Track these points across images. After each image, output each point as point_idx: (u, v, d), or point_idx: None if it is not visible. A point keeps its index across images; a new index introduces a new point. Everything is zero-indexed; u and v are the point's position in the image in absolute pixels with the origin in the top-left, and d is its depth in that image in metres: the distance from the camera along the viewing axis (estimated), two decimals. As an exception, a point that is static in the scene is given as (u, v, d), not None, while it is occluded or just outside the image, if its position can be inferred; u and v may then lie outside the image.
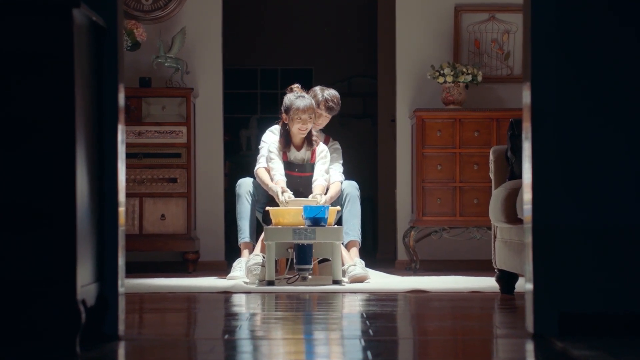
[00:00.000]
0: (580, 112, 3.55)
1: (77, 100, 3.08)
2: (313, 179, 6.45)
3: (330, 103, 6.65)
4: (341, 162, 6.66)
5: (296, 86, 6.55)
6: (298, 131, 6.43)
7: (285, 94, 6.57)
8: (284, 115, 6.45)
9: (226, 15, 8.01)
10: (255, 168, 6.55)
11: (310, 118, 6.41)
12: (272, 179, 6.40)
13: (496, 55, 7.69)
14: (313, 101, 6.49)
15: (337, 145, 6.73)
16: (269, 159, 6.45)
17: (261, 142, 6.68)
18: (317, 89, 6.72)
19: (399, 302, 5.05)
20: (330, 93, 6.69)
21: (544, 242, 3.53)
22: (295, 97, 6.42)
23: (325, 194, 6.39)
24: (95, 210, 3.37)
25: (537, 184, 3.53)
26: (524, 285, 3.71)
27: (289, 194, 6.24)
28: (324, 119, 6.71)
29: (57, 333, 3.02)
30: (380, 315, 4.37)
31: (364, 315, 4.36)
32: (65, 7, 3.07)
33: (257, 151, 6.73)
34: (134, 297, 5.26)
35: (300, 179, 6.48)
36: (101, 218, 3.44)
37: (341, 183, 6.53)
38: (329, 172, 6.50)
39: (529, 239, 3.58)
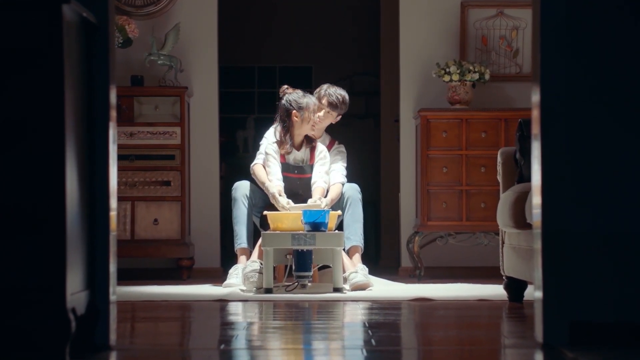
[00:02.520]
0: (592, 112, 3.54)
1: (66, 100, 3.06)
2: (312, 181, 6.43)
3: (332, 98, 6.59)
4: (345, 164, 6.59)
5: (286, 87, 6.50)
6: (311, 128, 6.44)
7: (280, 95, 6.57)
8: (295, 112, 6.37)
9: (222, 10, 7.96)
10: (252, 164, 6.49)
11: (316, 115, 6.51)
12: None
13: (504, 53, 7.65)
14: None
15: (342, 149, 6.73)
16: (266, 161, 6.39)
17: (263, 138, 6.62)
18: (325, 85, 6.72)
19: (403, 310, 5.04)
20: (336, 90, 6.65)
21: (554, 248, 3.51)
22: (303, 96, 6.46)
23: (325, 196, 6.32)
24: (85, 214, 3.35)
25: (547, 187, 3.53)
26: (533, 293, 3.71)
27: (286, 199, 6.17)
28: (328, 116, 6.63)
29: (46, 343, 3.00)
30: (383, 325, 4.36)
31: (366, 325, 4.35)
32: (55, 3, 3.05)
33: (254, 152, 6.69)
34: (125, 305, 5.27)
35: (299, 181, 6.44)
36: (92, 223, 3.43)
37: (342, 185, 6.47)
38: (328, 173, 6.44)
39: (538, 244, 3.57)
